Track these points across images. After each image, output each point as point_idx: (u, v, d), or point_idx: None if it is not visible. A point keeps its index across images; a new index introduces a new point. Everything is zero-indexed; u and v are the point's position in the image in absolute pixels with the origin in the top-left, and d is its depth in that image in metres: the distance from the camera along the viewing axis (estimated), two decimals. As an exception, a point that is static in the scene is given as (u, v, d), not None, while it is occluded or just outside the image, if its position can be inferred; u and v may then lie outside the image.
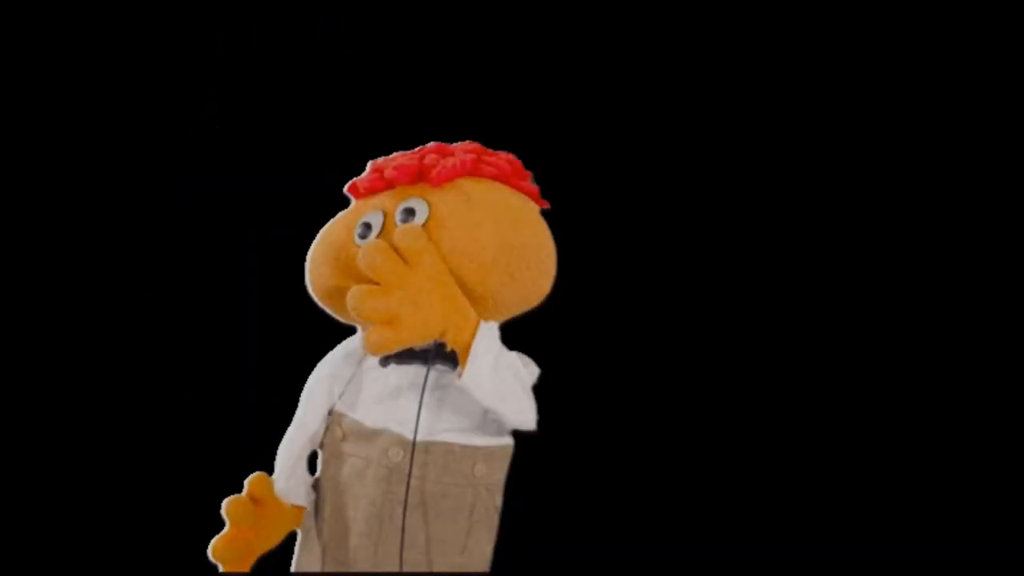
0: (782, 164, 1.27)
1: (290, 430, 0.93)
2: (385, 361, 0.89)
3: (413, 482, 0.87)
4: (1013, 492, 1.20)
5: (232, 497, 0.90)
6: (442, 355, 0.87)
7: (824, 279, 1.25)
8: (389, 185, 0.90)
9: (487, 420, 0.90)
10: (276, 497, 0.91)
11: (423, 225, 0.85)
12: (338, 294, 0.86)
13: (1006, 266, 1.24)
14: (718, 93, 1.28)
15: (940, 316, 1.25)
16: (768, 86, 1.27)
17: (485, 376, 0.85)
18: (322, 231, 0.93)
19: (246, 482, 0.92)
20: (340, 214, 0.93)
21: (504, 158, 0.92)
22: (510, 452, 0.91)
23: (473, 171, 0.89)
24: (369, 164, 0.94)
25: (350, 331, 0.94)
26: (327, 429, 0.92)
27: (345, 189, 0.94)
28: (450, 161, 0.89)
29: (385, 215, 0.87)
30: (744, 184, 1.26)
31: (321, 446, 0.93)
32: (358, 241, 0.87)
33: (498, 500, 0.91)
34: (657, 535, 1.19)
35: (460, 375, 0.85)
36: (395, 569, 0.87)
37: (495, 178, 0.90)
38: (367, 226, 0.87)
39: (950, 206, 1.25)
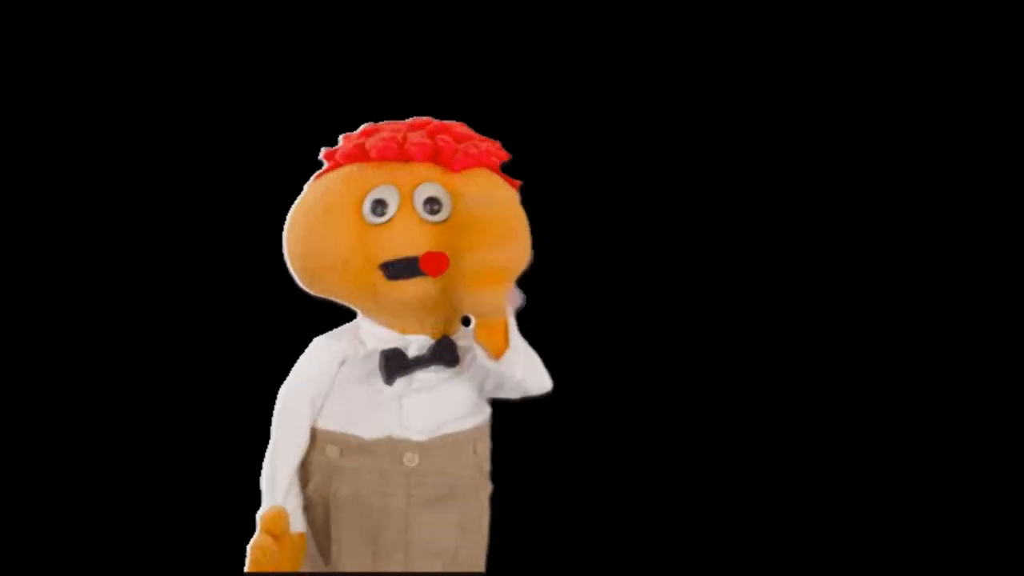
0: (770, 158, 1.25)
1: (277, 455, 0.86)
2: (391, 379, 0.84)
3: (429, 480, 0.85)
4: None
5: (260, 543, 0.84)
6: (438, 357, 0.84)
7: (814, 271, 1.24)
8: (404, 158, 0.83)
9: (479, 399, 0.88)
10: (291, 532, 0.85)
11: (445, 220, 0.81)
12: (341, 269, 0.81)
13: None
14: (701, 84, 1.25)
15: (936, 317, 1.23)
16: (755, 79, 1.25)
17: (520, 343, 0.83)
18: (310, 199, 0.85)
19: (266, 519, 0.85)
20: (326, 180, 0.85)
21: (496, 145, 0.88)
22: (490, 421, 0.90)
23: (487, 161, 0.85)
24: (363, 127, 0.87)
25: (333, 316, 0.89)
26: (313, 448, 0.87)
27: (333, 154, 0.86)
28: (472, 148, 0.84)
29: (400, 193, 0.82)
30: (730, 179, 1.25)
31: (304, 466, 0.87)
32: (371, 217, 0.81)
33: (487, 466, 0.90)
34: (653, 530, 1.18)
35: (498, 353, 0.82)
36: (429, 570, 0.86)
37: (493, 168, 0.86)
38: (381, 203, 0.81)
39: (945, 208, 1.24)
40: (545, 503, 1.15)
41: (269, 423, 0.88)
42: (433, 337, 0.85)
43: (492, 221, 0.80)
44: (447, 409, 0.86)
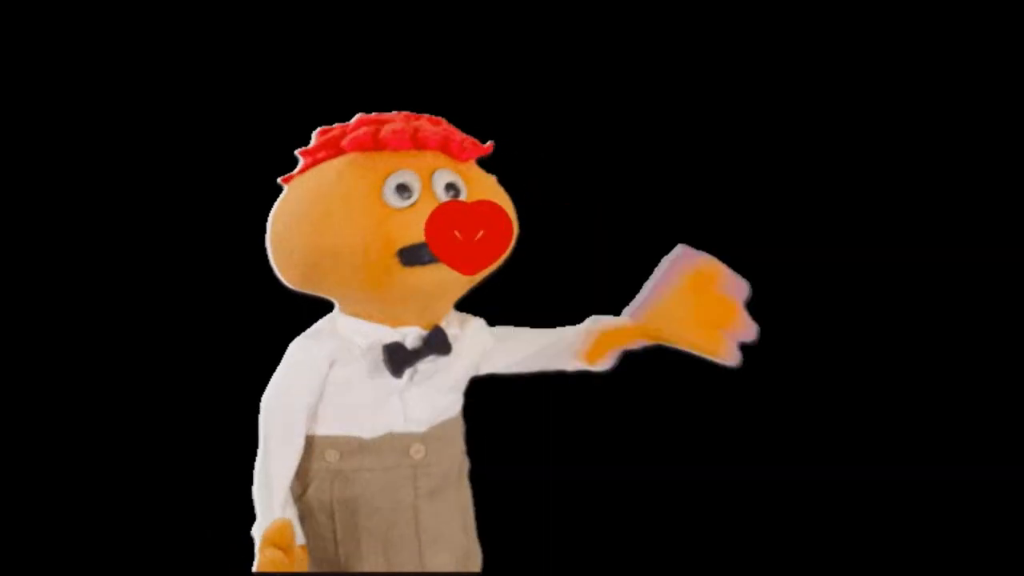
0: (751, 158, 1.24)
1: (271, 467, 0.82)
2: (400, 372, 0.83)
3: (433, 470, 0.85)
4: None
5: (270, 557, 0.79)
6: (434, 346, 0.84)
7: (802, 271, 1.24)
8: (418, 146, 0.82)
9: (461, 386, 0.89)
10: (297, 544, 0.82)
11: None
12: (362, 253, 0.78)
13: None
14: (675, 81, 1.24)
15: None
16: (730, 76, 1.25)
17: None
18: (317, 187, 0.81)
19: (272, 533, 0.80)
20: (330, 168, 0.82)
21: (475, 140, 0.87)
22: None
23: (485, 153, 0.85)
24: (357, 118, 0.85)
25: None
26: (309, 456, 0.84)
27: (335, 142, 0.83)
28: (473, 140, 0.84)
29: (420, 178, 0.80)
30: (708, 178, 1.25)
31: (299, 475, 0.84)
32: (394, 201, 0.78)
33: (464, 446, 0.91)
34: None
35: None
36: (440, 565, 0.86)
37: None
38: (405, 187, 0.79)
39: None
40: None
41: (244, 421, 0.84)
42: (425, 328, 0.84)
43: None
44: (443, 397, 0.87)
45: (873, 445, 1.22)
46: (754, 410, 1.21)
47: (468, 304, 0.89)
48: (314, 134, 0.85)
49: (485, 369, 0.90)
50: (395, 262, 0.78)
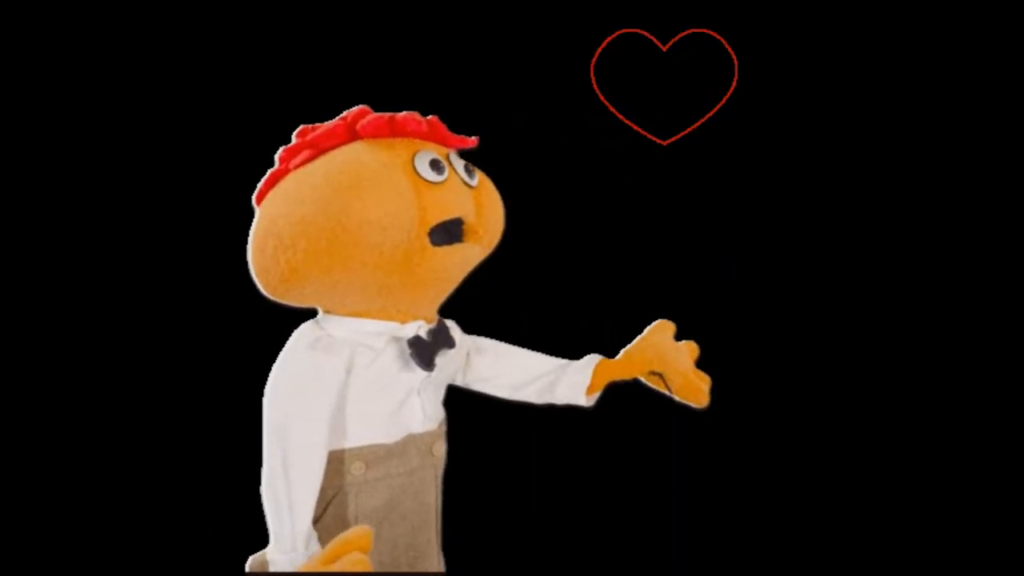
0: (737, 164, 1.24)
1: (295, 482, 0.76)
2: (432, 365, 0.81)
3: (443, 467, 0.85)
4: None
5: (357, 560, 0.71)
6: (444, 340, 0.83)
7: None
8: (430, 135, 0.81)
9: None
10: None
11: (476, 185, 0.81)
12: (396, 227, 0.75)
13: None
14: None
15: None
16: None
17: None
18: (337, 169, 0.77)
19: (354, 539, 0.72)
20: (348, 153, 0.79)
21: None
22: None
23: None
24: (353, 111, 0.82)
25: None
26: (329, 472, 0.78)
27: (349, 127, 0.81)
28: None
29: (442, 157, 0.79)
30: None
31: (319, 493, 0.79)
32: (431, 175, 0.77)
33: None
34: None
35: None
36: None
37: None
38: (437, 163, 0.78)
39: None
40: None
41: (240, 422, 0.80)
42: (428, 322, 0.82)
43: None
44: (442, 392, 0.86)
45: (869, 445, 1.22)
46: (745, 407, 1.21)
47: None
48: (295, 134, 0.83)
49: (476, 385, 0.91)
50: (426, 243, 0.76)
